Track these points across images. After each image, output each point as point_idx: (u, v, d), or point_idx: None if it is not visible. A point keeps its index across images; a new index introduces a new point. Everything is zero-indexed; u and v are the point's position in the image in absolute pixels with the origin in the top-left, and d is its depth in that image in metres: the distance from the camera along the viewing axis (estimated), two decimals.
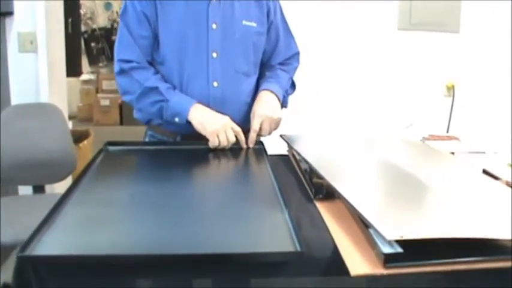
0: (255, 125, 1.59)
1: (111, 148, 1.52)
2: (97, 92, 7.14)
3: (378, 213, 0.95)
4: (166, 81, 1.61)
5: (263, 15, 1.68)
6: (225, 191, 1.20)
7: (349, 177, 1.23)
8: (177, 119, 1.56)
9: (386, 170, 1.29)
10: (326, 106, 3.10)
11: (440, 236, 0.84)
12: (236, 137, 1.55)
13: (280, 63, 1.79)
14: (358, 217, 0.96)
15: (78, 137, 3.81)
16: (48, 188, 2.61)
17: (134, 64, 1.58)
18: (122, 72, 1.60)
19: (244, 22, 1.63)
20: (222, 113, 1.58)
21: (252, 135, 1.58)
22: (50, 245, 0.86)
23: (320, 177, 1.18)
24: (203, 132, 1.53)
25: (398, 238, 0.83)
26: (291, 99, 1.82)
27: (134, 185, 1.21)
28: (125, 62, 1.59)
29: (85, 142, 3.77)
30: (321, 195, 1.15)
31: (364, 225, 0.93)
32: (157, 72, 1.62)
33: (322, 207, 1.11)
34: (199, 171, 1.44)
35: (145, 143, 1.61)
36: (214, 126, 1.51)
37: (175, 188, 1.18)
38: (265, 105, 1.62)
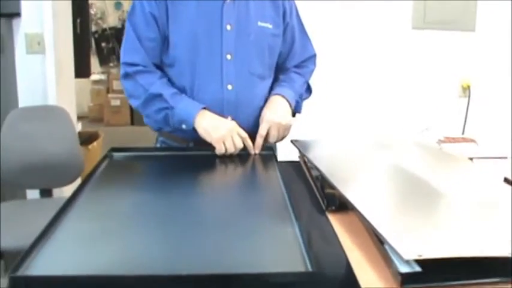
0: (261, 130, 1.54)
1: (115, 155, 1.48)
2: (108, 92, 7.14)
3: (394, 228, 0.89)
4: (175, 84, 1.56)
5: (279, 16, 1.62)
6: (231, 202, 1.15)
7: (362, 187, 1.17)
8: (184, 126, 1.51)
9: (402, 178, 1.24)
10: (338, 108, 3.04)
11: (462, 255, 0.78)
12: (244, 142, 1.50)
13: (296, 66, 1.73)
14: (373, 232, 0.90)
15: (88, 139, 3.81)
16: (57, 191, 2.59)
17: (139, 68, 1.53)
18: (126, 75, 1.55)
19: (259, 23, 1.57)
20: (235, 117, 1.54)
21: (258, 141, 1.53)
22: (46, 264, 0.81)
23: (332, 187, 1.12)
24: (208, 139, 1.48)
25: (417, 258, 0.77)
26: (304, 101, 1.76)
27: (137, 195, 1.17)
28: (129, 65, 1.54)
29: (94, 144, 3.75)
30: (333, 207, 1.10)
31: (379, 240, 0.88)
32: (163, 76, 1.57)
33: (334, 220, 1.06)
34: (206, 180, 1.39)
35: (150, 149, 1.56)
36: (220, 132, 1.46)
37: (180, 198, 1.13)
38: (274, 110, 1.57)
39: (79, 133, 3.33)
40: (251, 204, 1.13)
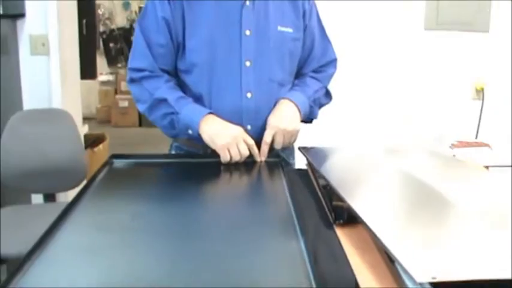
0: (266, 137, 1.49)
1: (116, 161, 1.44)
2: (116, 93, 7.13)
3: (406, 246, 0.84)
4: (192, 92, 1.51)
5: (299, 19, 1.56)
6: (234, 214, 1.10)
7: (372, 199, 1.12)
8: (190, 132, 1.47)
9: (414, 189, 1.18)
10: (347, 111, 2.98)
11: (481, 277, 0.73)
12: (250, 150, 1.45)
13: (313, 71, 1.68)
14: (383, 249, 0.85)
15: (94, 141, 3.80)
16: (62, 195, 2.56)
17: (146, 73, 1.49)
18: (132, 81, 1.52)
19: (279, 28, 1.52)
20: (255, 126, 1.50)
21: (263, 148, 1.48)
22: (38, 277, 0.79)
23: (341, 198, 1.07)
24: (213, 146, 1.43)
25: (430, 280, 0.72)
26: None
27: (137, 205, 1.12)
28: (135, 71, 1.50)
29: (100, 147, 3.74)
30: (341, 221, 1.05)
31: (389, 258, 0.83)
32: (170, 79, 1.52)
33: (342, 234, 1.01)
34: (208, 189, 1.35)
35: (152, 156, 1.51)
36: (225, 140, 1.41)
37: (181, 209, 1.09)
38: (280, 115, 1.52)
39: (85, 136, 3.32)
40: (255, 216, 1.09)
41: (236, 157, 1.41)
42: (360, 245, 0.96)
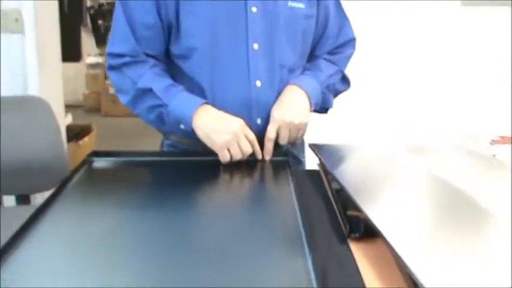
0: (269, 133, 1.45)
1: (96, 160, 1.42)
2: (106, 77, 7.11)
3: (432, 268, 0.81)
4: (192, 81, 1.48)
5: None
6: (231, 224, 1.08)
7: (394, 207, 1.09)
8: (183, 127, 1.43)
9: (443, 195, 1.16)
10: (367, 101, 2.97)
11: None
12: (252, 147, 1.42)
13: (328, 53, 1.65)
14: (406, 271, 0.82)
15: (79, 133, 3.81)
16: (39, 197, 2.54)
17: (127, 59, 1.45)
18: (111, 68, 1.48)
19: (290, 3, 1.48)
20: (266, 119, 1.47)
21: (267, 146, 1.45)
22: None
23: (357, 207, 1.04)
24: (210, 145, 1.40)
25: None
26: None
27: (119, 212, 1.10)
28: (115, 56, 1.46)
29: (86, 139, 3.75)
30: (357, 234, 1.02)
31: (412, 283, 0.80)
32: (156, 64, 1.49)
33: (357, 250, 0.98)
34: (203, 194, 1.31)
35: (139, 154, 1.48)
36: (223, 136, 1.37)
37: (170, 218, 1.07)
38: (285, 106, 1.48)
39: (68, 127, 3.32)
40: (256, 227, 1.06)
41: (237, 156, 1.38)
42: (379, 264, 0.94)
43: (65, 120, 3.24)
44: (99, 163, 1.41)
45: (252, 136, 1.41)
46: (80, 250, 0.93)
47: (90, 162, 1.40)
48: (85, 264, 0.88)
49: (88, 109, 6.98)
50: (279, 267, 0.89)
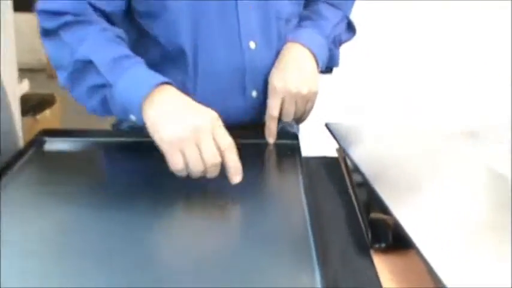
0: (271, 109, 1.37)
1: (48, 140, 1.38)
2: None
3: None
4: (165, 47, 1.38)
5: None
6: (221, 229, 1.06)
7: (432, 210, 1.05)
8: (133, 117, 1.20)
9: (499, 194, 1.13)
10: (370, 102, 3.10)
11: None
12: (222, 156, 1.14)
13: None
14: None
15: (38, 105, 3.79)
16: None
17: (68, 18, 1.26)
18: (46, 34, 1.31)
19: None
20: (262, 91, 1.42)
21: (270, 126, 1.38)
22: None
23: (384, 209, 1.00)
24: (157, 142, 1.14)
25: None
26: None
27: (72, 207, 1.07)
28: (51, 15, 1.28)
29: (46, 112, 3.72)
30: (383, 244, 0.99)
31: None
32: (108, 28, 1.31)
33: (381, 263, 0.96)
34: (181, 187, 1.20)
35: (101, 133, 1.43)
36: (176, 131, 1.10)
37: (139, 216, 1.04)
38: (288, 71, 1.40)
39: (24, 96, 3.28)
40: (253, 233, 1.03)
41: (195, 166, 1.10)
42: (408, 283, 0.92)
43: (19, 87, 3.20)
44: (52, 144, 1.37)
45: (225, 140, 1.13)
46: (25, 246, 0.94)
47: (41, 143, 1.36)
48: (28, 264, 0.89)
49: (52, 74, 6.96)
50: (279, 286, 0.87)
